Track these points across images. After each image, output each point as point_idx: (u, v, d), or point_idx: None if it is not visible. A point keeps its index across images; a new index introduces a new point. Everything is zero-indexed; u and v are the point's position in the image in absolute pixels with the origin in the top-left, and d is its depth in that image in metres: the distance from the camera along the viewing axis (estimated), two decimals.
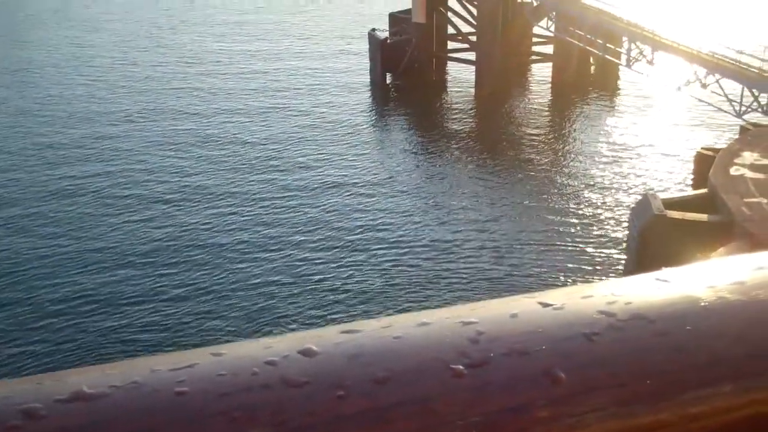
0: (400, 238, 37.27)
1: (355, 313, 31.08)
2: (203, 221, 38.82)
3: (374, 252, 36.01)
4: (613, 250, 35.98)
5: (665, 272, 1.01)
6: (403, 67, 60.57)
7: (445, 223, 38.78)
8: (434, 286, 33.04)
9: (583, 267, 34.71)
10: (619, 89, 60.36)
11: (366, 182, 43.73)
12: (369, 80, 61.91)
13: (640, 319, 0.90)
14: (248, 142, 49.49)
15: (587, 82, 60.80)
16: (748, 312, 0.92)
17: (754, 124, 35.29)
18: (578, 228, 38.44)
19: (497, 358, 0.81)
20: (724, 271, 1.00)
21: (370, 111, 57.46)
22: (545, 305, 0.91)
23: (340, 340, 0.82)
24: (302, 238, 37.24)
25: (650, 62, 47.04)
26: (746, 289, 0.96)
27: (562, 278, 33.64)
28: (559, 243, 36.82)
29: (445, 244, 36.63)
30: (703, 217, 25.68)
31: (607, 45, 51.27)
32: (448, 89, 62.47)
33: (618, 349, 0.86)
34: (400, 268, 34.58)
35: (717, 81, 41.69)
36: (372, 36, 61.93)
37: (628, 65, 49.49)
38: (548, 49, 62.00)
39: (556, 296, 0.94)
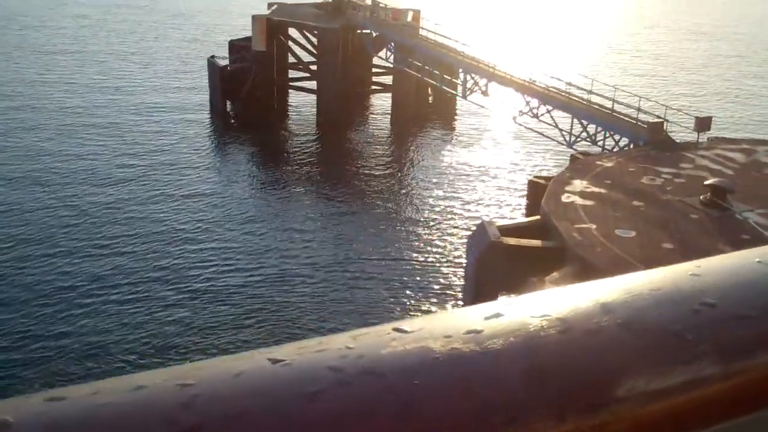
0: (238, 268, 36.66)
1: (185, 343, 30.29)
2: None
3: (210, 283, 35.28)
4: (452, 276, 36.59)
5: (405, 322, 0.96)
6: (244, 95, 60.05)
7: (285, 251, 38.43)
8: (272, 316, 32.62)
9: (424, 293, 35.11)
10: (457, 119, 61.86)
11: (204, 210, 42.89)
12: (209, 108, 61.02)
13: (370, 374, 0.86)
14: (79, 166, 47.67)
15: (426, 112, 62.05)
16: (480, 364, 0.90)
17: (583, 153, 36.71)
18: (418, 255, 38.89)
19: (210, 424, 0.77)
20: (462, 321, 0.96)
21: (210, 139, 56.55)
22: (275, 361, 0.87)
23: (42, 410, 0.78)
24: (130, 272, 36.10)
25: (485, 93, 48.38)
26: (481, 339, 0.93)
27: (403, 304, 33.93)
28: (399, 270, 37.12)
29: (285, 274, 36.27)
30: (537, 243, 26.38)
31: (444, 76, 52.42)
32: (290, 117, 62.34)
33: (343, 407, 0.83)
34: (235, 299, 33.99)
35: (548, 112, 43.26)
36: (211, 63, 61.13)
37: (464, 96, 50.71)
38: (388, 79, 62.92)
39: (288, 351, 0.91)
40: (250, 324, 31.98)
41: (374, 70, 65.41)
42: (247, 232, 40.57)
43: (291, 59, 63.28)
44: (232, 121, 60.72)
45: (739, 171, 32.76)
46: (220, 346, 30.28)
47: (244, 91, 59.88)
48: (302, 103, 63.00)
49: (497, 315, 0.98)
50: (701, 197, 28.55)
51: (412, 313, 33.41)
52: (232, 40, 65.22)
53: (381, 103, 64.30)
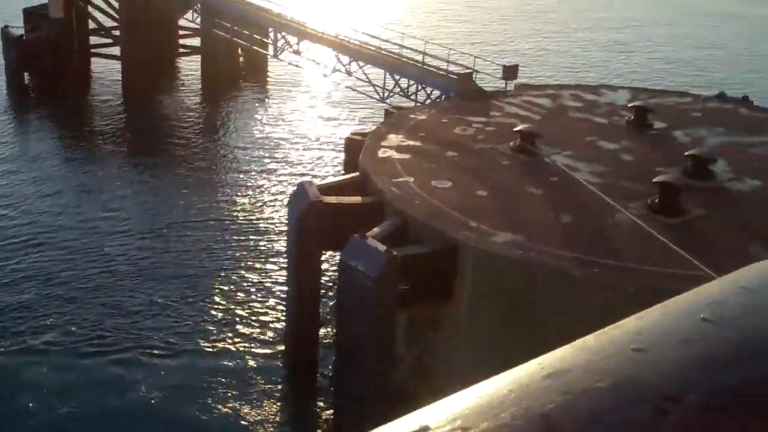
0: (51, 247, 34.97)
1: None
2: None
3: (22, 263, 33.53)
4: (274, 238, 36.17)
5: None
6: (44, 66, 56.94)
7: (99, 227, 36.90)
8: (93, 292, 31.34)
9: (247, 256, 34.59)
10: (269, 80, 60.96)
11: (8, 189, 40.57)
12: (4, 82, 57.43)
13: None
14: None
15: (237, 74, 60.75)
16: None
17: (397, 108, 36.93)
18: (239, 220, 38.23)
19: None
20: None
21: (9, 114, 53.37)
22: None
23: None
24: None
25: (297, 52, 47.80)
26: None
27: (226, 269, 33.30)
28: (220, 237, 36.40)
29: (101, 249, 34.86)
30: (357, 199, 26.40)
31: (254, 36, 51.47)
32: (94, 87, 59.58)
33: None
34: (49, 279, 32.47)
35: (361, 68, 43.21)
36: (5, 33, 57.45)
37: (276, 56, 49.97)
38: (196, 41, 61.13)
39: None
40: (68, 302, 30.60)
41: (181, 32, 63.33)
42: (55, 209, 38.63)
43: (92, 25, 60.44)
44: (32, 94, 57.52)
45: (546, 116, 33.86)
46: (36, 328, 28.90)
47: (44, 61, 56.76)
48: (107, 71, 60.32)
49: None
50: (511, 144, 29.31)
51: (236, 280, 32.88)
52: (26, 8, 61.55)
53: (190, 67, 62.45)
